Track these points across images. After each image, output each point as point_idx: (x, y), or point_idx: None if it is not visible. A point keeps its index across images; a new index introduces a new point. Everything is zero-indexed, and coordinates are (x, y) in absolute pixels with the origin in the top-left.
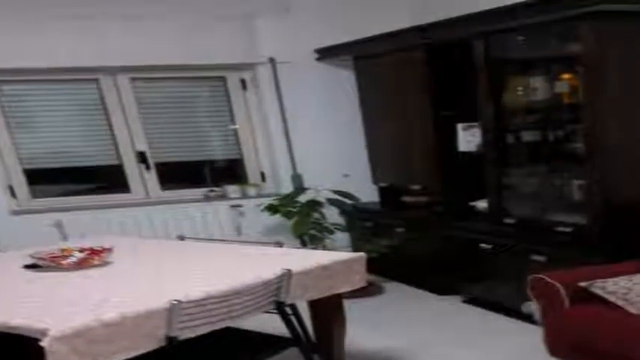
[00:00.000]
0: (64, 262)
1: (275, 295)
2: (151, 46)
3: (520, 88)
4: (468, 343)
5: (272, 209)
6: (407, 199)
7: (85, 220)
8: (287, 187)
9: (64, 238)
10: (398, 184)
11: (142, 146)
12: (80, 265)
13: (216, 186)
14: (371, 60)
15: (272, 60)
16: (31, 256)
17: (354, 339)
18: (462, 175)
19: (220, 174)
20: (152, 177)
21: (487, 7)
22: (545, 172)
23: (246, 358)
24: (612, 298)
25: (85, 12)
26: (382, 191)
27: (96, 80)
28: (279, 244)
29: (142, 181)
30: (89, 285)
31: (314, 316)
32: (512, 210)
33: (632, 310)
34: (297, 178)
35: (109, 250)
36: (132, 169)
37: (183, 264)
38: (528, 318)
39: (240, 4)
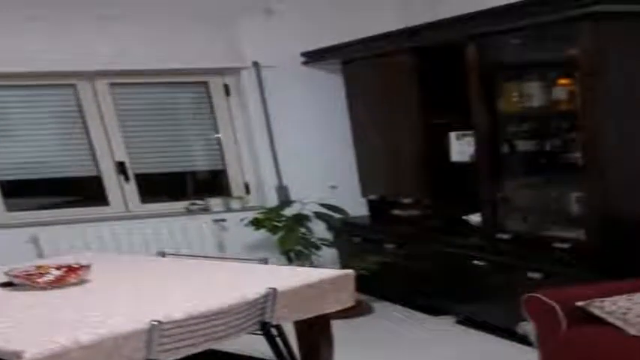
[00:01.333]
0: (39, 280)
1: (260, 315)
2: (130, 49)
3: (515, 95)
4: None
5: (256, 224)
6: (397, 212)
7: (62, 234)
8: (272, 200)
9: (40, 254)
10: (388, 197)
11: (121, 156)
12: (57, 283)
13: (199, 199)
14: (359, 64)
15: (256, 64)
16: (6, 274)
17: None
18: (454, 187)
19: (203, 186)
20: (132, 189)
21: (480, 8)
22: (541, 184)
23: None
24: (611, 319)
25: (61, 13)
26: (371, 204)
27: (73, 86)
28: (264, 261)
29: (122, 193)
30: (66, 304)
31: (300, 338)
32: (507, 224)
33: (632, 331)
34: (282, 191)
35: (87, 267)
36: (111, 180)
37: (163, 282)
38: (524, 339)
39: (223, 6)
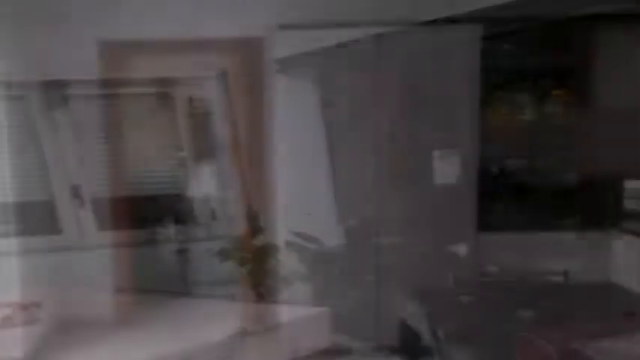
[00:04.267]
0: None
1: (227, 359)
2: (84, 56)
3: (506, 107)
4: None
5: (223, 255)
6: (377, 241)
7: (9, 267)
8: (241, 228)
9: None
10: (368, 224)
11: (75, 178)
12: (4, 323)
13: (160, 226)
14: (337, 72)
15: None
16: None
17: None
18: (439, 213)
19: (165, 211)
20: (87, 215)
21: (467, 9)
22: (532, 208)
23: None
24: None
25: (9, 14)
26: (349, 233)
27: (23, 98)
28: (232, 298)
29: (76, 220)
30: (14, 347)
31: None
32: (496, 255)
33: None
34: (252, 217)
35: (37, 305)
36: (64, 205)
37: (122, 322)
38: None
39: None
